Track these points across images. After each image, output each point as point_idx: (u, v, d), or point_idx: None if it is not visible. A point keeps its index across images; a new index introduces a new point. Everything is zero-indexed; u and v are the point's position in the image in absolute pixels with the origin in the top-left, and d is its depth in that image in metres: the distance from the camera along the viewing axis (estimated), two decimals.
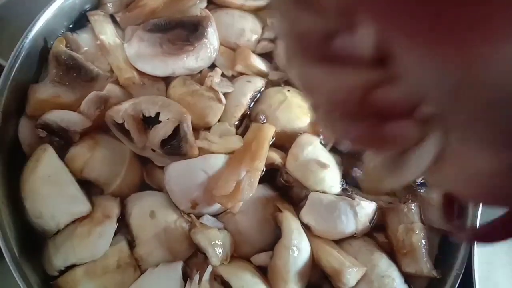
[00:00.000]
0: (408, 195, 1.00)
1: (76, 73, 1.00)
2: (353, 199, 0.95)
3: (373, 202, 0.97)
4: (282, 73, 1.10)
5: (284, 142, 1.03)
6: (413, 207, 0.97)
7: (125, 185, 0.96)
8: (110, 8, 1.10)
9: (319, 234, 0.96)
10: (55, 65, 0.99)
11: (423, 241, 0.95)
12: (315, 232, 0.96)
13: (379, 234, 1.00)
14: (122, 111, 0.93)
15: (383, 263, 0.94)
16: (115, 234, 0.91)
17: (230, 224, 0.94)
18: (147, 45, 1.04)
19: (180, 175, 0.90)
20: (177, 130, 0.92)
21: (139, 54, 1.03)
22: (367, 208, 0.95)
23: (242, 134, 1.01)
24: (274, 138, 1.02)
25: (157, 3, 1.08)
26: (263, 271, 0.92)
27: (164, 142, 0.93)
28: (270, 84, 1.10)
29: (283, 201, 0.99)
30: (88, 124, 0.94)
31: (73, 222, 0.90)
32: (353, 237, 0.98)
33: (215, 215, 0.95)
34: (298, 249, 0.89)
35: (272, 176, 1.03)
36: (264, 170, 0.99)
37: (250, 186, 0.91)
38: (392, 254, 0.97)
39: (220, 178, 0.90)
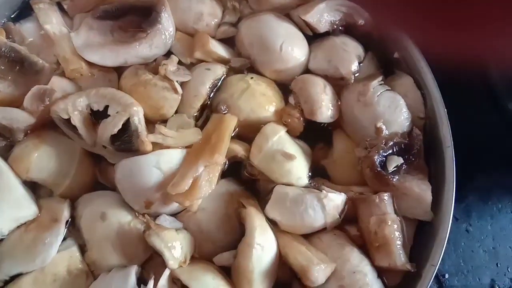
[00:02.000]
0: (380, 184, 0.94)
1: (19, 66, 0.93)
2: (321, 190, 0.89)
3: (342, 193, 0.91)
4: (245, 59, 1.03)
5: (248, 133, 0.96)
6: (385, 197, 0.91)
7: (75, 186, 0.89)
8: None
9: (286, 229, 0.90)
10: None
11: (397, 233, 0.90)
12: (282, 227, 0.90)
13: (351, 227, 0.94)
14: (68, 105, 0.85)
15: (355, 258, 0.88)
16: (65, 239, 0.85)
17: (190, 223, 0.88)
18: (96, 33, 0.96)
19: (131, 173, 0.84)
20: (127, 124, 0.85)
21: (88, 43, 0.95)
22: (335, 200, 0.90)
23: (203, 126, 0.94)
24: (236, 129, 0.95)
25: None
26: (227, 272, 0.87)
27: (115, 138, 0.86)
28: (232, 71, 1.03)
29: (248, 196, 0.93)
30: (32, 121, 0.87)
31: (19, 227, 0.84)
32: (323, 231, 0.92)
33: (174, 214, 0.89)
34: (262, 247, 0.84)
35: (237, 169, 0.97)
36: (227, 163, 0.93)
37: (209, 182, 0.85)
38: (365, 248, 0.91)
39: (176, 175, 0.83)
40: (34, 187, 0.90)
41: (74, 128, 0.87)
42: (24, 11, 1.02)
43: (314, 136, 1.02)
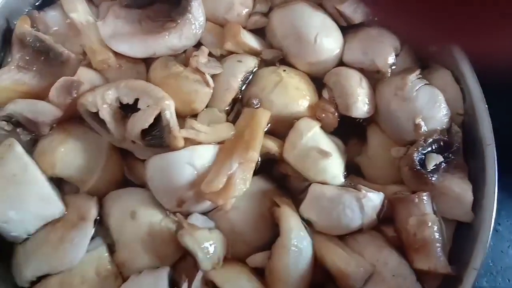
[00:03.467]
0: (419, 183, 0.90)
1: (44, 57, 0.89)
2: (359, 190, 0.85)
3: (381, 193, 0.87)
4: (277, 51, 0.98)
5: (280, 128, 0.92)
6: (424, 197, 0.87)
7: (103, 182, 0.86)
8: None
9: (321, 230, 0.87)
10: (19, 48, 0.88)
11: (437, 235, 0.86)
12: (317, 228, 0.87)
13: (387, 227, 0.90)
14: (97, 98, 0.82)
15: (394, 260, 0.85)
16: (92, 238, 0.81)
17: (223, 223, 0.85)
18: (124, 22, 0.92)
19: (163, 170, 0.80)
20: (158, 119, 0.81)
21: (115, 33, 0.91)
22: (374, 200, 0.86)
23: (234, 121, 0.91)
24: (269, 125, 0.91)
25: None
26: (260, 273, 0.83)
27: (145, 133, 0.82)
28: (263, 63, 0.99)
29: (281, 194, 0.90)
30: (58, 114, 0.84)
31: (45, 226, 0.81)
32: (359, 231, 0.88)
33: (206, 213, 0.85)
34: (298, 249, 0.80)
35: (268, 166, 0.93)
36: (260, 160, 0.89)
37: (244, 180, 0.81)
38: (402, 249, 0.88)
39: (209, 172, 0.80)
40: (59, 183, 0.86)
41: (102, 122, 0.84)
42: None
43: (347, 131, 0.98)
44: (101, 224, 0.84)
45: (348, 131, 0.98)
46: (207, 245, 0.78)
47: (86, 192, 0.85)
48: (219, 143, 0.85)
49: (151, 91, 0.82)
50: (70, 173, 0.84)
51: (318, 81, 0.99)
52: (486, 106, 0.95)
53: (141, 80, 0.85)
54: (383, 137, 0.97)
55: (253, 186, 0.88)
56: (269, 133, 0.92)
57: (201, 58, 0.88)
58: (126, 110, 0.85)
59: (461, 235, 0.92)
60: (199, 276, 0.77)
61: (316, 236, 0.86)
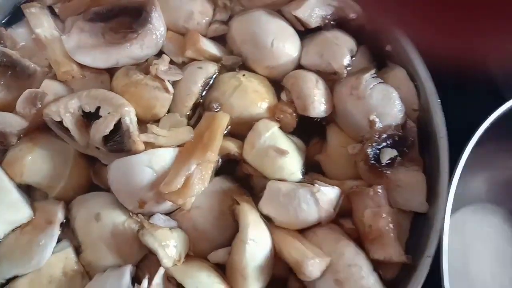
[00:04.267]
0: (374, 177, 0.94)
1: (11, 71, 0.94)
2: (314, 185, 0.89)
3: (336, 187, 0.91)
4: (237, 57, 1.03)
5: (241, 130, 0.96)
6: (379, 190, 0.91)
7: (70, 188, 0.90)
8: None
9: (280, 224, 0.90)
10: None
11: (391, 226, 0.90)
12: (276, 223, 0.90)
13: (346, 220, 0.94)
14: (60, 108, 0.86)
15: (350, 251, 0.88)
16: (60, 240, 0.86)
17: (185, 222, 0.89)
18: (88, 36, 0.97)
19: (124, 173, 0.84)
20: (119, 125, 0.86)
21: (79, 46, 0.96)
22: (329, 194, 0.89)
23: (196, 124, 0.95)
24: (229, 127, 0.96)
25: None
26: (222, 269, 0.87)
27: (107, 139, 0.86)
28: (224, 69, 1.03)
29: (242, 193, 0.93)
30: (25, 125, 0.88)
31: (14, 230, 0.85)
32: (318, 225, 0.92)
33: (169, 214, 0.89)
34: (255, 243, 0.84)
35: (232, 167, 0.97)
36: (220, 161, 0.94)
37: (202, 180, 0.85)
38: (360, 241, 0.91)
39: (168, 173, 0.84)
40: (28, 190, 0.91)
41: (66, 130, 0.88)
42: (16, 16, 1.03)
43: (308, 131, 1.02)
44: (68, 227, 0.88)
45: (309, 131, 1.02)
46: (168, 243, 0.82)
47: (54, 197, 0.89)
48: (179, 146, 0.89)
49: (111, 99, 0.87)
50: (37, 180, 0.88)
51: (278, 84, 1.03)
52: (439, 100, 0.99)
53: (102, 89, 0.90)
54: (342, 135, 1.01)
55: (215, 186, 0.92)
56: (231, 135, 0.97)
57: (161, 66, 0.93)
58: (90, 118, 0.89)
59: (418, 225, 0.96)
60: (160, 272, 0.80)
61: (275, 231, 0.89)
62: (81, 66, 0.96)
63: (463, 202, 1.17)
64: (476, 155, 0.95)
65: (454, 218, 0.95)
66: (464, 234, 1.14)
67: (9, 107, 0.91)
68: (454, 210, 1.05)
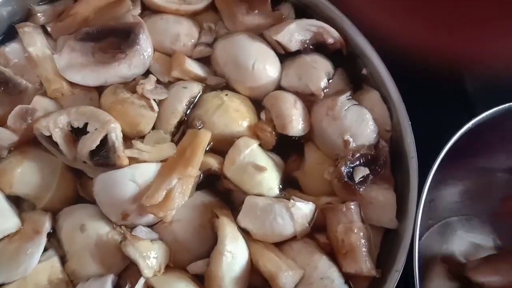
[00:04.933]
0: (348, 194, 0.99)
1: (4, 87, 0.98)
2: (290, 200, 0.94)
3: (310, 203, 0.96)
4: (221, 78, 1.08)
5: (222, 146, 1.01)
6: (352, 206, 0.96)
7: (57, 199, 0.94)
8: (40, 19, 1.07)
9: (258, 238, 0.95)
10: None
11: (363, 241, 0.95)
12: (254, 236, 0.95)
13: (320, 235, 0.99)
14: (49, 123, 0.91)
15: (323, 265, 0.93)
16: (46, 249, 0.89)
17: (166, 234, 0.93)
18: (78, 55, 1.02)
19: (108, 186, 0.89)
20: (105, 140, 0.90)
21: (70, 64, 1.01)
22: (303, 209, 0.95)
23: (180, 141, 0.99)
24: (211, 143, 1.00)
25: (89, 11, 1.06)
26: (201, 280, 0.91)
27: (93, 153, 0.91)
28: (209, 89, 1.08)
29: (222, 207, 0.98)
30: (15, 139, 0.93)
31: (2, 239, 0.89)
32: (294, 239, 0.97)
33: (150, 226, 0.94)
34: (232, 254, 0.88)
35: (213, 181, 1.02)
36: (201, 176, 0.98)
37: (182, 194, 0.90)
38: (333, 255, 0.96)
39: (150, 187, 0.88)
40: (17, 201, 0.95)
41: (55, 144, 0.92)
42: (9, 34, 1.07)
43: (288, 149, 1.08)
44: (54, 237, 0.92)
45: (288, 149, 1.08)
46: (148, 254, 0.86)
47: (41, 208, 0.93)
48: (162, 161, 0.94)
49: (98, 116, 0.92)
50: (26, 191, 0.92)
51: (259, 104, 1.09)
52: (410, 122, 1.05)
53: (90, 106, 0.94)
54: (319, 153, 1.06)
55: (196, 200, 0.96)
56: (212, 151, 1.02)
57: (147, 86, 0.98)
58: (78, 133, 0.94)
59: (388, 241, 1.01)
60: (140, 282, 0.84)
61: (252, 244, 0.94)
62: (71, 84, 1.01)
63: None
64: (445, 170, 1.01)
65: None
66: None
67: (0, 122, 0.95)
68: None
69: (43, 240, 0.88)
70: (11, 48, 1.04)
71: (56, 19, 1.09)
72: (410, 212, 0.98)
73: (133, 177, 0.88)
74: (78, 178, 0.98)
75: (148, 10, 1.14)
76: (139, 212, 0.89)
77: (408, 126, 1.04)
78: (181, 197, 0.89)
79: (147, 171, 0.90)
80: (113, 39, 1.03)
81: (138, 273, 0.86)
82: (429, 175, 0.99)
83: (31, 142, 0.96)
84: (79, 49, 1.02)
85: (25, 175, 0.92)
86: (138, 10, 1.12)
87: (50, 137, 0.92)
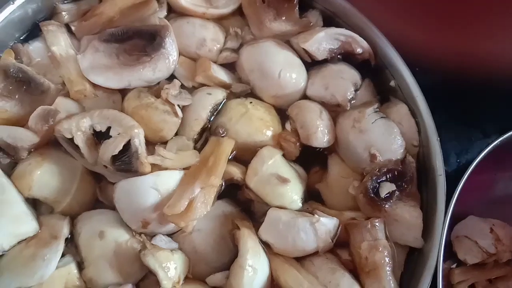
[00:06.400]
0: (373, 210, 0.96)
1: (26, 86, 0.96)
2: (313, 214, 0.92)
3: (335, 218, 0.93)
4: (246, 85, 1.06)
5: (245, 155, 0.99)
6: (377, 223, 0.93)
7: (76, 203, 0.92)
8: (65, 17, 1.05)
9: (279, 252, 0.93)
10: (3, 78, 0.95)
11: (387, 259, 0.92)
12: (275, 250, 0.93)
13: (343, 251, 0.96)
14: (72, 125, 0.89)
15: (345, 283, 0.91)
16: (64, 255, 0.87)
17: (186, 243, 0.91)
18: (102, 56, 1.00)
19: (129, 193, 0.87)
20: (128, 146, 0.88)
21: (93, 65, 0.99)
22: (327, 225, 0.92)
23: (202, 148, 0.97)
24: (234, 152, 0.98)
25: (114, 11, 1.04)
26: None
27: (115, 158, 0.89)
28: (233, 95, 1.06)
29: (243, 218, 0.96)
30: (36, 140, 0.90)
31: (19, 243, 0.87)
32: (315, 254, 0.94)
33: (171, 235, 0.91)
34: (253, 269, 0.86)
35: (234, 191, 0.99)
36: (223, 185, 0.96)
37: (205, 204, 0.88)
38: (356, 273, 0.93)
39: (172, 196, 0.86)
40: (35, 204, 0.93)
41: (76, 147, 0.90)
42: (33, 32, 1.06)
43: (311, 160, 1.05)
44: (72, 242, 0.90)
45: (311, 160, 1.05)
46: (168, 265, 0.84)
47: (60, 212, 0.91)
48: (184, 169, 0.92)
49: (122, 120, 0.89)
50: (45, 194, 0.90)
51: (284, 113, 1.06)
52: (438, 139, 1.02)
53: (114, 110, 0.92)
54: (343, 166, 1.04)
55: (217, 210, 0.94)
56: (235, 160, 0.99)
57: (172, 91, 0.96)
58: (100, 137, 0.91)
59: (413, 260, 0.98)
60: None
61: (273, 258, 0.92)
62: (94, 85, 0.99)
63: None
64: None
65: None
66: None
67: (22, 122, 0.94)
68: None
69: (60, 246, 0.85)
70: (34, 47, 1.02)
71: (80, 18, 1.06)
72: (437, 232, 0.95)
73: (155, 184, 0.86)
74: (97, 182, 0.96)
75: (174, 13, 1.12)
76: (160, 221, 0.87)
77: (437, 142, 1.01)
78: (204, 207, 0.87)
79: (169, 179, 0.88)
80: (138, 41, 1.01)
81: (157, 284, 0.84)
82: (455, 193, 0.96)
83: (51, 144, 0.94)
84: (103, 50, 1.00)
85: (45, 177, 0.90)
86: (164, 12, 1.10)
87: (71, 139, 0.90)
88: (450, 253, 1.16)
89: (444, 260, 0.93)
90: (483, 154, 1.02)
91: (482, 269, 1.15)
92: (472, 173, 1.00)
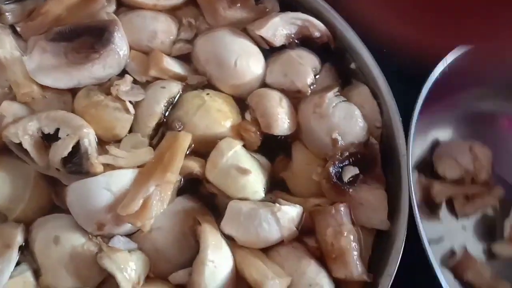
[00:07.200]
0: (337, 195, 0.95)
1: None
2: (275, 203, 0.90)
3: (297, 206, 0.92)
4: (202, 76, 1.03)
5: (205, 149, 0.96)
6: (341, 208, 0.92)
7: (30, 210, 0.89)
8: (9, 18, 1.02)
9: (243, 244, 0.90)
10: None
11: (353, 244, 0.90)
12: (239, 242, 0.90)
13: (309, 239, 0.94)
14: (18, 129, 0.86)
15: (311, 270, 0.89)
16: (19, 263, 0.84)
17: (146, 243, 0.88)
18: (50, 56, 0.96)
19: (81, 195, 0.84)
20: (78, 147, 0.85)
21: (41, 66, 0.95)
22: (290, 213, 0.90)
23: (159, 144, 0.94)
24: (192, 146, 0.96)
25: (60, 9, 1.00)
26: None
27: (66, 160, 0.86)
28: (189, 88, 1.03)
29: (205, 213, 0.93)
30: None
31: None
32: (281, 244, 0.92)
33: (130, 235, 0.89)
34: (215, 264, 0.84)
35: (196, 185, 0.97)
36: (182, 181, 0.94)
37: (161, 202, 0.85)
38: (323, 260, 0.92)
39: (126, 196, 0.84)
40: None
41: (26, 152, 0.87)
42: None
43: (275, 149, 1.03)
44: (28, 250, 0.87)
45: (275, 149, 1.03)
46: (126, 266, 0.81)
47: (14, 219, 0.88)
48: (139, 166, 0.89)
49: (70, 121, 0.87)
50: None
51: (244, 103, 1.04)
52: (401, 118, 1.00)
53: (62, 111, 0.89)
54: (306, 152, 1.02)
55: (177, 206, 0.92)
56: (196, 154, 0.97)
57: (122, 87, 0.93)
58: (50, 139, 0.88)
59: (380, 243, 0.96)
60: None
61: (237, 251, 0.89)
62: (43, 87, 0.95)
63: None
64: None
65: None
66: None
67: None
68: None
69: (14, 256, 0.82)
70: None
71: (26, 18, 1.03)
72: (403, 213, 0.94)
73: (107, 185, 0.83)
74: (53, 187, 0.93)
75: (124, 7, 1.08)
76: (116, 221, 0.84)
77: (399, 122, 1.00)
78: (160, 205, 0.84)
79: (122, 179, 0.85)
80: (87, 38, 0.97)
81: (117, 286, 0.81)
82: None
83: (1, 150, 0.91)
84: (50, 50, 0.97)
85: None
86: (113, 7, 1.06)
87: (20, 144, 0.87)
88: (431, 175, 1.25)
89: None
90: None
91: (460, 185, 1.22)
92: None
